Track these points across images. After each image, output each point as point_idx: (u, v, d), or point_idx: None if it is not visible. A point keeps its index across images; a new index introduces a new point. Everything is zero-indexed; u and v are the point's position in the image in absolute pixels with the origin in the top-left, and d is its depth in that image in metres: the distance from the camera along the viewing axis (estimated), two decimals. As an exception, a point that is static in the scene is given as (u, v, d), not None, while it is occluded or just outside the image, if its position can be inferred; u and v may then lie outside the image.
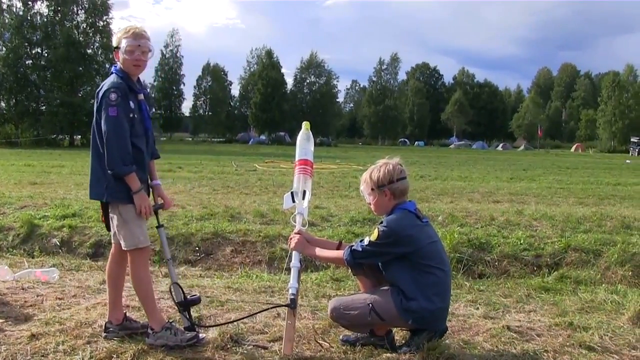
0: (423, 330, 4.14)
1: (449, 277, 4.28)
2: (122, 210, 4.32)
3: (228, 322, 4.72)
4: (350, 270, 4.81)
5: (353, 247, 4.23)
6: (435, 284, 4.07)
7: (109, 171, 4.21)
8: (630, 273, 7.17)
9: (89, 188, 4.42)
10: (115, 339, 4.44)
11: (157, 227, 4.68)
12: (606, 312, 5.58)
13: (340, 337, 4.52)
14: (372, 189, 4.30)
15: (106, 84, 4.28)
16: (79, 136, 61.79)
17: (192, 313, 4.60)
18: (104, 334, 4.52)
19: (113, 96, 4.18)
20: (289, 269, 4.57)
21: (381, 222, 4.22)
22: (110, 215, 4.42)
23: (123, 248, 4.37)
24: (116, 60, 4.42)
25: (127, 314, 4.74)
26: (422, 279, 4.05)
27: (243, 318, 4.81)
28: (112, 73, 4.41)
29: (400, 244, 4.06)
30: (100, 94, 4.24)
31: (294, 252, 4.54)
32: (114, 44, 4.40)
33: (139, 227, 4.35)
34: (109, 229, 4.47)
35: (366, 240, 4.17)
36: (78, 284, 6.20)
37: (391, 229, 4.09)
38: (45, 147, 50.40)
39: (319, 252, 4.55)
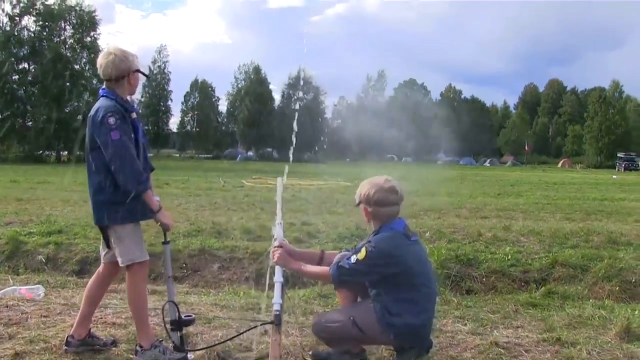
0: (410, 348, 4.12)
1: (435, 294, 4.25)
2: (117, 228, 4.32)
3: (216, 344, 4.68)
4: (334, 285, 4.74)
5: (340, 264, 4.18)
6: (420, 301, 4.04)
7: (125, 192, 4.25)
8: (617, 288, 7.20)
9: (93, 213, 4.45)
10: (77, 352, 4.51)
11: (163, 244, 4.65)
12: (594, 327, 5.58)
13: (311, 352, 4.49)
14: (360, 202, 4.28)
15: (101, 108, 4.27)
16: (66, 152, 61.55)
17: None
18: (64, 347, 4.55)
19: (111, 120, 4.19)
20: (272, 285, 4.53)
21: (369, 242, 4.17)
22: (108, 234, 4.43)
23: (120, 264, 4.37)
24: (123, 87, 4.45)
25: (92, 331, 4.73)
26: (407, 296, 4.02)
27: (230, 339, 4.77)
28: (102, 96, 4.41)
29: (388, 265, 4.02)
30: (98, 120, 4.22)
31: (276, 267, 4.46)
32: (125, 69, 4.40)
33: (135, 243, 4.37)
34: (108, 245, 4.46)
35: (353, 259, 4.11)
36: (64, 302, 6.15)
37: (379, 250, 4.04)
38: (31, 163, 50.08)
39: (304, 267, 4.47)
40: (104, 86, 4.46)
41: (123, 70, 4.39)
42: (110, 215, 4.33)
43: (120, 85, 4.41)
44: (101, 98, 4.40)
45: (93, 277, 4.71)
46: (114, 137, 4.17)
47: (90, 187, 4.39)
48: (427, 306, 4.10)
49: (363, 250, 4.10)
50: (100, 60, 4.40)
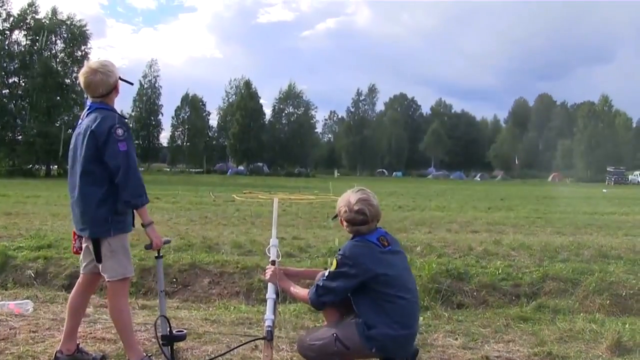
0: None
1: (414, 305, 4.19)
2: (111, 241, 4.31)
3: None
4: None
5: (317, 283, 4.20)
6: (396, 312, 4.01)
7: (125, 203, 4.28)
8: (608, 302, 7.20)
9: (88, 226, 4.38)
10: None
11: (156, 258, 4.65)
12: (584, 341, 5.59)
13: None
14: (337, 216, 4.36)
15: (106, 119, 4.28)
16: (56, 166, 61.36)
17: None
18: None
19: (120, 131, 4.24)
20: (266, 301, 4.55)
21: (339, 250, 4.23)
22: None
23: (108, 279, 4.36)
24: (111, 98, 4.50)
25: (81, 346, 4.72)
26: (382, 307, 4.01)
27: (221, 355, 4.76)
28: (98, 108, 4.40)
29: (357, 272, 4.02)
30: (104, 131, 4.22)
31: (269, 284, 4.53)
32: (113, 82, 4.46)
33: (127, 256, 4.41)
34: (99, 260, 4.40)
35: (327, 273, 4.15)
36: (53, 317, 6.10)
37: (345, 256, 4.08)
38: (20, 177, 49.87)
39: (292, 288, 4.51)
40: (92, 100, 4.46)
41: (111, 85, 4.43)
42: (115, 227, 4.34)
43: (110, 98, 4.44)
44: (98, 109, 4.39)
45: (74, 289, 4.71)
46: (122, 149, 4.21)
47: (87, 201, 4.33)
48: (403, 317, 4.05)
49: (334, 260, 4.14)
50: (87, 80, 4.39)
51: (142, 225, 4.40)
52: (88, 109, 4.46)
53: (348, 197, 4.27)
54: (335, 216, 4.36)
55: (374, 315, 4.01)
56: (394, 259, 4.20)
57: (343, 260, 4.07)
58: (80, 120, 4.51)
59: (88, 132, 4.28)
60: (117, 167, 4.20)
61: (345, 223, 4.26)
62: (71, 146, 4.51)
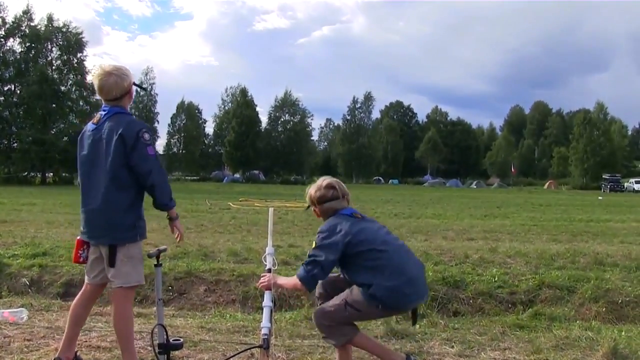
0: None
1: (397, 254, 4.30)
2: (131, 247, 4.34)
3: None
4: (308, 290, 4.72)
5: (304, 262, 4.31)
6: (385, 266, 4.18)
7: (161, 206, 4.49)
8: (604, 309, 7.21)
9: (111, 233, 4.31)
10: None
11: (155, 266, 4.64)
12: (581, 348, 5.58)
13: None
14: (309, 205, 4.64)
15: (132, 124, 4.29)
16: (51, 174, 61.29)
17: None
18: None
19: (147, 136, 4.27)
20: (262, 309, 4.54)
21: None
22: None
23: (120, 285, 4.31)
24: (125, 102, 4.51)
25: (78, 354, 4.68)
26: (369, 266, 4.18)
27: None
28: (121, 113, 4.41)
29: (336, 239, 4.19)
30: (132, 135, 4.20)
31: (266, 292, 4.55)
32: (128, 86, 4.47)
33: (141, 264, 4.45)
34: (112, 264, 4.32)
35: (309, 251, 4.33)
36: (47, 325, 6.07)
37: (322, 230, 4.30)
38: (16, 184, 49.77)
39: (281, 280, 4.63)
40: (108, 104, 4.43)
41: (126, 88, 4.44)
42: (141, 233, 4.42)
43: (124, 102, 4.44)
44: (120, 114, 4.37)
45: (77, 297, 4.62)
46: (150, 153, 4.26)
47: (115, 207, 4.27)
48: (394, 266, 4.19)
49: (314, 241, 4.32)
50: (100, 82, 4.37)
51: (170, 219, 4.64)
52: (106, 113, 4.39)
53: (315, 182, 4.63)
54: (309, 206, 4.61)
55: (366, 275, 4.18)
56: (370, 224, 4.43)
57: (321, 235, 4.26)
58: (92, 125, 4.43)
59: (116, 136, 4.21)
60: (148, 171, 4.23)
61: (318, 207, 4.52)
62: (85, 152, 4.42)
